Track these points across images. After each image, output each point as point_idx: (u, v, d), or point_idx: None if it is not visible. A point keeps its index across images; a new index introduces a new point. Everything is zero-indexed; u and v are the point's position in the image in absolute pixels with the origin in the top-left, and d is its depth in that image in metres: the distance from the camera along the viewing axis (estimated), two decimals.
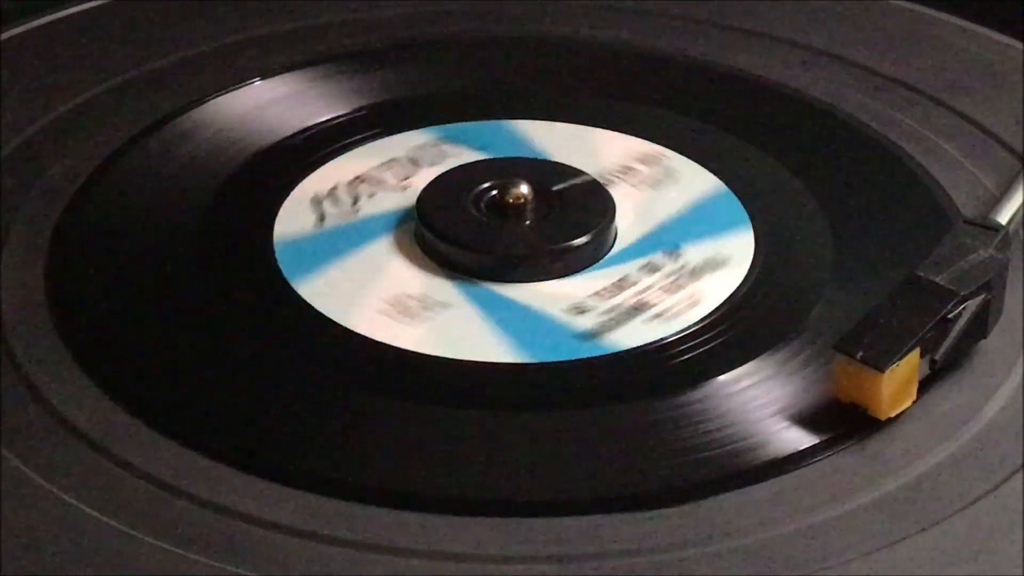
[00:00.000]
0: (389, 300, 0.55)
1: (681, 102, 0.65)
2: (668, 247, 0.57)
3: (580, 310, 0.54)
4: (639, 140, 0.63)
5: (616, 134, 0.63)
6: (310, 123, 0.64)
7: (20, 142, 0.62)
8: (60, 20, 0.70)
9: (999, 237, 0.53)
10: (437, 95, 0.66)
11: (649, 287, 0.55)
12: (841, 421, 0.50)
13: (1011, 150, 0.62)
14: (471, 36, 0.70)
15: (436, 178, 0.59)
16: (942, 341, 0.50)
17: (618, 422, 0.50)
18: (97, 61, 0.67)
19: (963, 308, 0.51)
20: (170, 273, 0.56)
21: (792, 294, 0.56)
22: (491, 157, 0.61)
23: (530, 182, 0.57)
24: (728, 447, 0.49)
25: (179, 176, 0.61)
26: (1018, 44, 0.69)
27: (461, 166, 0.60)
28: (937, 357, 0.50)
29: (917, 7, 0.72)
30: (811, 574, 0.45)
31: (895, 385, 0.49)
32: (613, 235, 0.58)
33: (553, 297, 0.55)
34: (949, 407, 0.51)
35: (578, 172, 0.60)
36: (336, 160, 0.62)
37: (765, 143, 0.63)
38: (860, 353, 0.49)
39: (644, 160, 0.62)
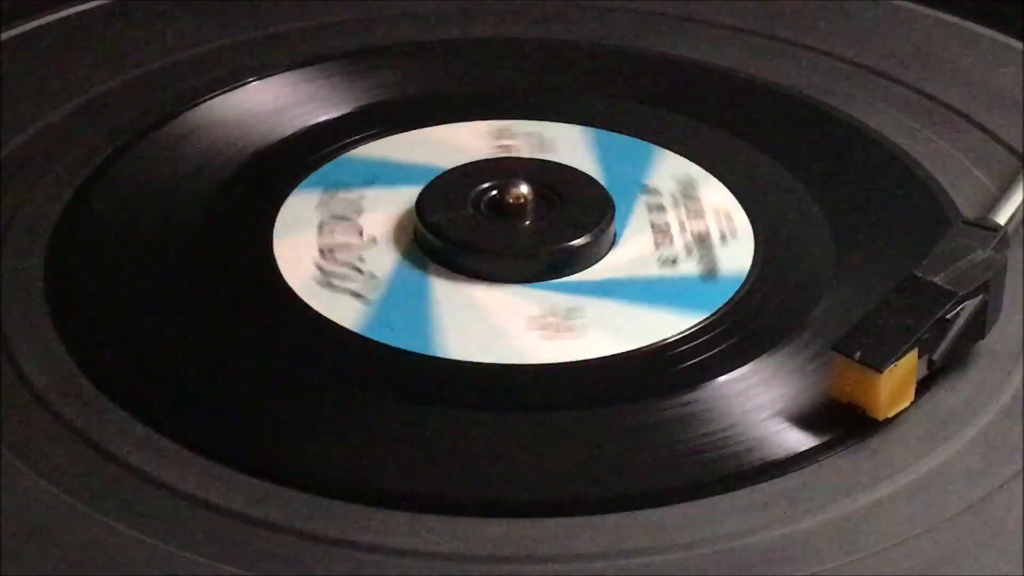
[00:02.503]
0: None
1: (680, 102, 0.65)
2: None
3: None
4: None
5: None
6: (310, 123, 0.64)
7: (20, 142, 0.62)
8: (60, 20, 0.70)
9: (998, 237, 0.53)
10: (438, 95, 0.66)
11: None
12: (840, 422, 0.50)
13: (1011, 150, 0.62)
14: (472, 36, 0.70)
15: (436, 178, 0.59)
16: (940, 341, 0.50)
17: (618, 422, 0.50)
18: (97, 61, 0.67)
19: (961, 308, 0.51)
20: (170, 273, 0.56)
21: (792, 294, 0.55)
22: (492, 157, 0.62)
23: (531, 182, 0.58)
24: (727, 447, 0.49)
25: (179, 176, 0.61)
26: (1018, 44, 0.69)
27: (462, 166, 0.61)
28: (935, 357, 0.50)
29: (917, 7, 0.72)
30: (811, 574, 0.45)
31: (893, 385, 0.49)
32: (611, 237, 0.58)
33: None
34: (947, 408, 0.51)
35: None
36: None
37: (765, 143, 0.63)
38: (858, 353, 0.49)
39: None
